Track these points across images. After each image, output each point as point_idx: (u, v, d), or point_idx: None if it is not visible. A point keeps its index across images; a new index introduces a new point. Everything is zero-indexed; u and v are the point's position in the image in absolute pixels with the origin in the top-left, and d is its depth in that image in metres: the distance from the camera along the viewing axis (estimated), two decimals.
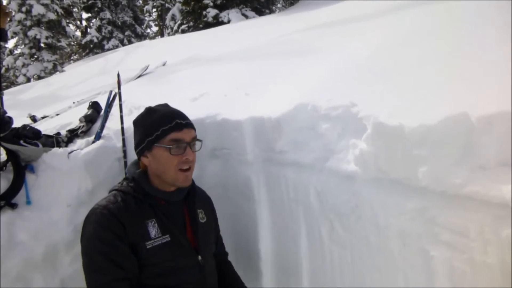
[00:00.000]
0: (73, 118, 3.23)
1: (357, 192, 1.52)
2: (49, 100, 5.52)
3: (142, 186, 1.56)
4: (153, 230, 1.50)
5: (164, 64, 5.47)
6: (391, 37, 2.20)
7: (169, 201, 1.59)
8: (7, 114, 2.37)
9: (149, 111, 1.61)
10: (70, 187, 2.35)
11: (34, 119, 3.92)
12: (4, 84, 16.87)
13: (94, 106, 3.19)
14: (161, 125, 1.52)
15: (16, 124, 2.47)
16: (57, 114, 4.05)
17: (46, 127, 3.16)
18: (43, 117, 3.99)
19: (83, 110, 3.25)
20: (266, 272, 2.04)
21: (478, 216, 1.14)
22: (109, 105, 2.92)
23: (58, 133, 2.86)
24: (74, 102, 4.41)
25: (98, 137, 2.67)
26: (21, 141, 2.38)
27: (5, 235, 2.07)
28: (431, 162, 1.20)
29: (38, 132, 2.56)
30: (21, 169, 2.28)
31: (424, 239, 1.28)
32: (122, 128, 2.60)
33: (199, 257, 1.58)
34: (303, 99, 1.81)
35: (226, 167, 2.17)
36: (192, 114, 2.32)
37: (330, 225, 1.67)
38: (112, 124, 2.80)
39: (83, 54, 22.03)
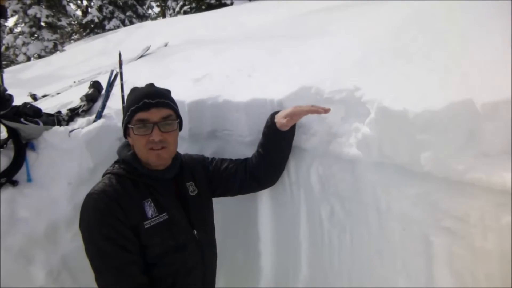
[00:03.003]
0: (74, 97, 3.23)
1: (359, 176, 1.52)
2: (49, 79, 5.50)
3: (134, 167, 1.56)
4: (149, 209, 1.51)
5: (166, 45, 5.43)
6: (398, 22, 2.16)
7: (161, 179, 1.59)
8: (7, 92, 2.36)
9: (130, 91, 1.62)
10: (71, 165, 2.37)
11: (34, 97, 3.91)
12: (4, 62, 16.76)
13: (95, 85, 3.18)
14: (131, 106, 1.52)
15: (17, 102, 2.46)
16: (58, 93, 4.04)
17: (46, 106, 3.16)
18: (43, 96, 3.99)
19: (84, 89, 3.24)
20: (265, 253, 2.05)
21: (479, 203, 1.15)
22: (110, 84, 2.91)
23: (59, 112, 2.86)
24: (75, 81, 4.40)
25: (99, 116, 2.67)
26: (22, 119, 2.38)
27: (6, 212, 2.09)
28: (435, 148, 1.19)
29: (38, 110, 2.56)
30: (22, 146, 2.29)
31: (424, 224, 1.29)
32: (123, 108, 2.59)
33: (195, 232, 1.60)
34: (306, 82, 1.79)
35: (227, 149, 2.16)
36: (194, 95, 2.33)
37: (330, 208, 1.68)
38: (113, 103, 2.80)
39: (84, 34, 21.83)
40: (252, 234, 2.10)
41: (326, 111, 1.58)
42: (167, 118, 1.54)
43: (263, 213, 2.04)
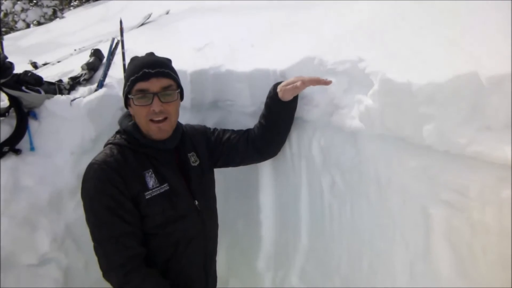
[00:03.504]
0: (75, 66, 3.19)
1: (361, 148, 1.52)
2: (50, 47, 5.42)
3: (135, 137, 1.55)
4: (150, 180, 1.52)
5: (167, 13, 5.32)
6: None
7: (162, 150, 1.59)
8: (8, 60, 2.34)
9: (130, 60, 1.60)
10: (73, 134, 2.37)
11: (35, 65, 3.88)
12: (4, 29, 16.52)
13: (96, 53, 3.14)
14: (131, 75, 1.51)
15: (18, 70, 2.44)
16: (59, 61, 4.00)
17: (47, 74, 3.13)
18: (44, 64, 3.95)
19: (85, 57, 3.20)
20: (266, 223, 2.08)
21: (480, 176, 1.14)
22: (112, 53, 2.87)
23: (60, 80, 2.84)
24: (75, 49, 4.34)
25: (100, 85, 2.65)
26: (23, 87, 2.37)
27: (10, 180, 2.11)
28: (437, 121, 1.19)
29: (40, 78, 2.54)
30: (24, 115, 2.29)
31: (424, 197, 1.29)
32: (124, 77, 2.57)
33: (196, 202, 1.62)
34: (309, 52, 1.77)
35: (229, 119, 2.16)
36: (196, 64, 2.30)
37: (331, 180, 1.69)
38: (115, 72, 2.77)
39: (83, 0, 21.40)
40: (253, 205, 2.13)
41: (327, 83, 1.57)
42: (167, 88, 1.52)
43: (265, 184, 2.06)
